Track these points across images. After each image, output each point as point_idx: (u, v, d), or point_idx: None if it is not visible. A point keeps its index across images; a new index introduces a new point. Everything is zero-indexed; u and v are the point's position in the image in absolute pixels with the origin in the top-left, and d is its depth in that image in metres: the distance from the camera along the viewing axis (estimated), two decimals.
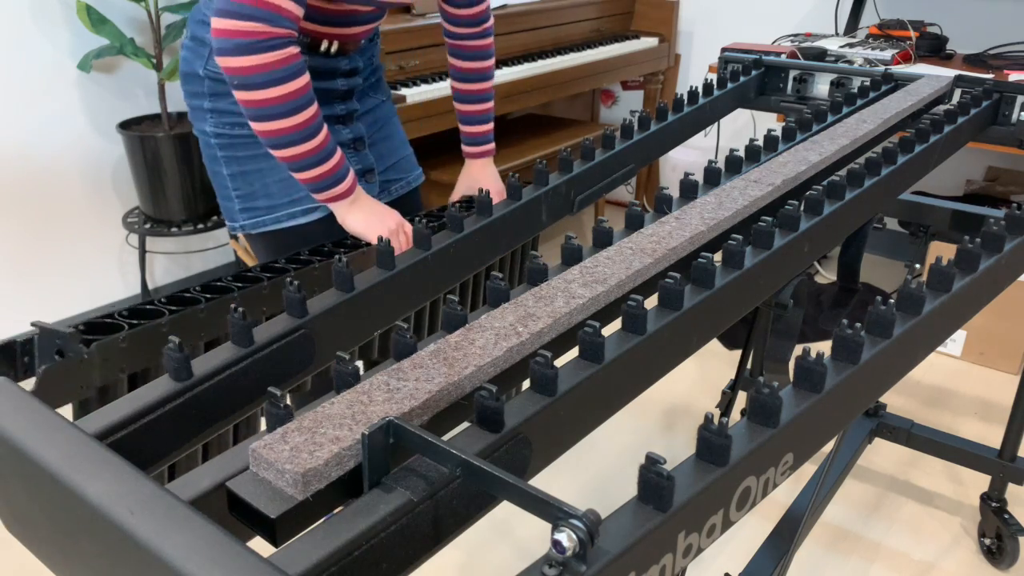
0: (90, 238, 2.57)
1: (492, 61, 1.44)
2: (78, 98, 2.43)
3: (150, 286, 2.67)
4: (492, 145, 1.47)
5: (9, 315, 2.45)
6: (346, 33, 1.25)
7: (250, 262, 2.49)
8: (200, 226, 2.44)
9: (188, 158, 2.37)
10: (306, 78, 1.09)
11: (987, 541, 1.80)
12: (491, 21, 1.40)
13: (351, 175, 1.16)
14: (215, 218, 2.49)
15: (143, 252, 2.48)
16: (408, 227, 1.13)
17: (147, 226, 2.42)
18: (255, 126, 1.10)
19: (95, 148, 2.50)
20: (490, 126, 1.45)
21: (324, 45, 1.24)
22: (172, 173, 2.36)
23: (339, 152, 1.15)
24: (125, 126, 2.39)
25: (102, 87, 2.47)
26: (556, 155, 1.41)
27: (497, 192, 1.39)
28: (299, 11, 1.06)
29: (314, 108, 1.10)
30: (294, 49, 1.06)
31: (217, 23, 1.04)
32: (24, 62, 2.30)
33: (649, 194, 3.50)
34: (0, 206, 2.35)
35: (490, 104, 1.46)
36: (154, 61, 2.32)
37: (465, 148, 1.43)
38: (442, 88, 2.28)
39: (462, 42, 1.39)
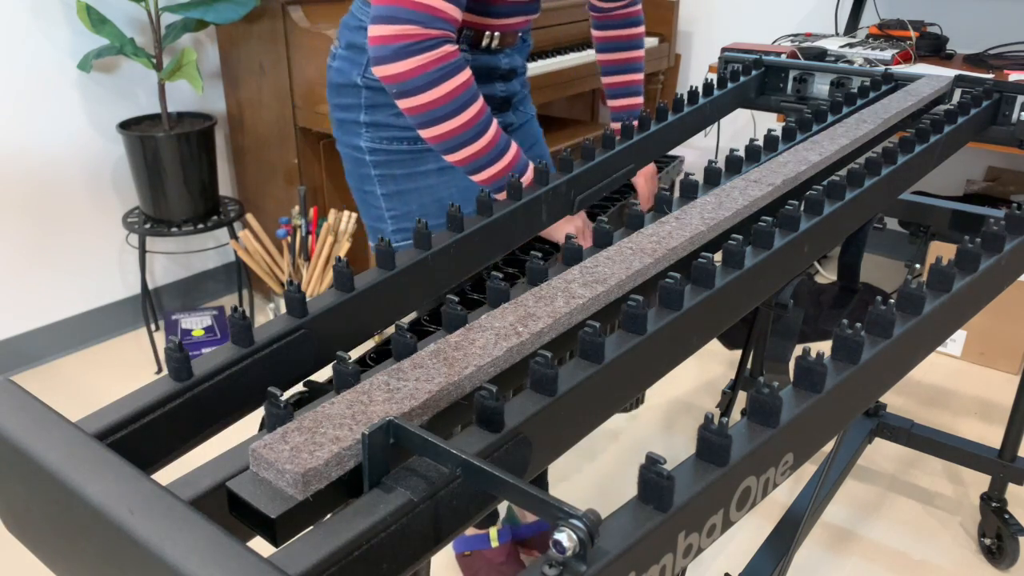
0: (90, 238, 2.57)
1: (642, 28, 1.42)
2: (78, 98, 2.43)
3: (150, 286, 2.67)
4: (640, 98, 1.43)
5: (10, 315, 2.45)
6: (506, 24, 1.24)
7: (250, 263, 2.49)
8: (200, 226, 2.44)
9: (188, 158, 2.37)
10: (466, 75, 1.07)
11: (987, 541, 1.80)
12: None
13: (531, 168, 1.13)
14: (215, 218, 2.49)
15: (143, 252, 2.48)
16: (590, 225, 1.12)
17: (147, 226, 2.42)
18: (424, 133, 1.09)
19: (95, 148, 2.50)
20: (640, 99, 1.42)
21: (486, 39, 1.22)
22: (172, 173, 2.36)
23: (514, 146, 1.13)
24: (125, 126, 2.39)
25: (102, 87, 2.47)
26: (556, 155, 1.41)
27: (648, 175, 1.37)
28: (455, 11, 1.05)
29: (479, 104, 1.09)
30: (450, 47, 1.05)
31: (373, 31, 1.04)
32: (24, 62, 2.30)
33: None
34: (0, 206, 2.35)
35: (639, 76, 1.44)
36: (154, 61, 2.32)
37: (613, 125, 1.42)
38: (553, 63, 2.61)
39: (609, 14, 1.38)
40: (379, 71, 1.05)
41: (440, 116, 1.07)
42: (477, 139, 1.09)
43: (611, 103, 1.47)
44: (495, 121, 1.12)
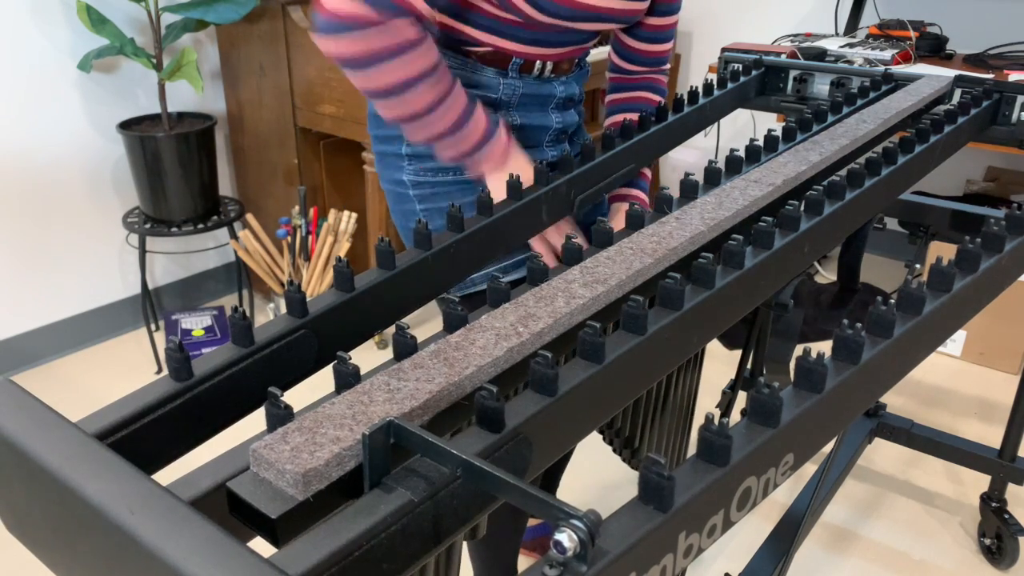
0: (90, 238, 2.57)
1: (661, 100, 1.33)
2: (78, 98, 2.43)
3: (150, 286, 2.67)
4: (644, 193, 1.33)
5: (10, 315, 2.45)
6: (559, 53, 1.18)
7: (250, 263, 2.49)
8: (200, 226, 2.44)
9: (188, 158, 2.37)
10: (433, 56, 1.01)
11: (987, 541, 1.80)
12: (668, 65, 1.31)
13: (501, 130, 1.08)
14: (215, 218, 2.49)
15: (143, 252, 2.48)
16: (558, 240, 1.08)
17: (147, 226, 2.42)
18: (380, 110, 1.04)
19: (95, 148, 2.50)
20: (647, 172, 1.32)
21: (537, 68, 1.17)
22: (172, 173, 2.36)
23: (483, 114, 1.07)
24: (125, 126, 2.39)
25: (102, 87, 2.47)
26: None
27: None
28: (422, 6, 0.99)
29: (448, 80, 1.03)
30: (404, 37, 0.98)
31: (322, 0, 0.97)
32: (24, 62, 2.30)
33: (649, 194, 3.49)
34: (0, 206, 2.35)
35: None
36: (154, 61, 2.32)
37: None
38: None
39: (631, 76, 1.31)
40: (320, 42, 0.99)
41: (395, 94, 1.00)
42: (432, 112, 1.03)
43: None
44: (463, 91, 1.06)
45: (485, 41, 1.13)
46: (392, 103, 1.03)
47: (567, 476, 1.69)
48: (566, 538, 0.46)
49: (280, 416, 0.59)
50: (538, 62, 1.17)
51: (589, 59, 1.31)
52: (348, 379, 0.64)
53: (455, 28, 1.13)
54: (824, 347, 0.71)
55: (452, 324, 0.73)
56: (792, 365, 0.96)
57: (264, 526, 0.53)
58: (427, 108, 1.03)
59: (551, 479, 1.65)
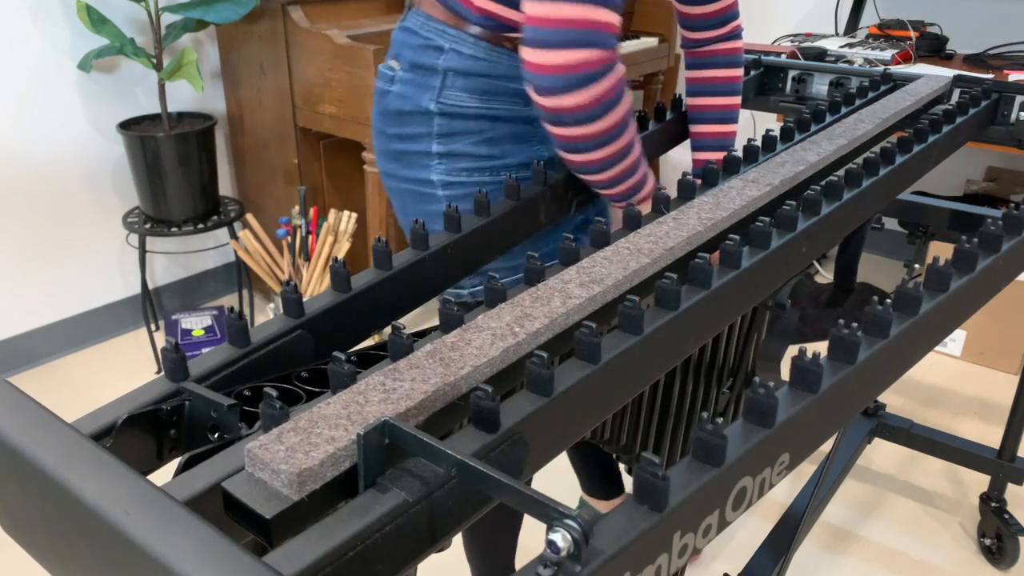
0: (90, 238, 2.57)
1: (740, 71, 1.27)
2: (78, 98, 2.43)
3: (150, 286, 2.67)
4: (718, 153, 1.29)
5: (10, 315, 2.46)
6: None
7: (250, 263, 2.49)
8: (200, 226, 2.44)
9: (188, 158, 2.37)
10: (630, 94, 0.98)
11: (987, 541, 1.80)
12: (739, 21, 1.23)
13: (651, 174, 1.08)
14: (215, 218, 2.49)
15: (143, 252, 2.48)
16: None
17: (147, 226, 2.42)
18: (574, 157, 1.00)
19: (95, 148, 2.50)
20: (724, 154, 1.24)
21: None
22: (172, 173, 2.36)
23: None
24: (125, 126, 2.39)
25: (102, 87, 2.48)
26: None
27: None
28: (620, 21, 0.93)
29: (633, 121, 1.01)
30: (622, 69, 0.94)
31: (535, 56, 0.90)
32: (24, 62, 2.30)
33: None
34: (0, 206, 2.36)
35: (733, 128, 1.29)
36: (154, 61, 2.33)
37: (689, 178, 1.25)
38: None
39: (704, 47, 1.24)
40: (548, 101, 0.93)
41: (605, 141, 0.98)
42: (626, 157, 1.01)
43: (696, 155, 1.33)
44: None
45: None
46: (604, 148, 0.99)
47: (564, 475, 1.69)
48: (560, 538, 0.46)
49: (275, 416, 0.59)
50: None
51: None
52: (344, 379, 0.64)
53: (503, 16, 1.06)
54: (821, 347, 0.71)
55: (448, 324, 0.73)
56: (785, 364, 0.96)
57: (259, 526, 0.53)
58: (628, 145, 1.00)
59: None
